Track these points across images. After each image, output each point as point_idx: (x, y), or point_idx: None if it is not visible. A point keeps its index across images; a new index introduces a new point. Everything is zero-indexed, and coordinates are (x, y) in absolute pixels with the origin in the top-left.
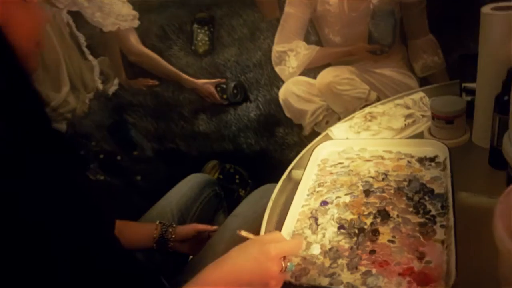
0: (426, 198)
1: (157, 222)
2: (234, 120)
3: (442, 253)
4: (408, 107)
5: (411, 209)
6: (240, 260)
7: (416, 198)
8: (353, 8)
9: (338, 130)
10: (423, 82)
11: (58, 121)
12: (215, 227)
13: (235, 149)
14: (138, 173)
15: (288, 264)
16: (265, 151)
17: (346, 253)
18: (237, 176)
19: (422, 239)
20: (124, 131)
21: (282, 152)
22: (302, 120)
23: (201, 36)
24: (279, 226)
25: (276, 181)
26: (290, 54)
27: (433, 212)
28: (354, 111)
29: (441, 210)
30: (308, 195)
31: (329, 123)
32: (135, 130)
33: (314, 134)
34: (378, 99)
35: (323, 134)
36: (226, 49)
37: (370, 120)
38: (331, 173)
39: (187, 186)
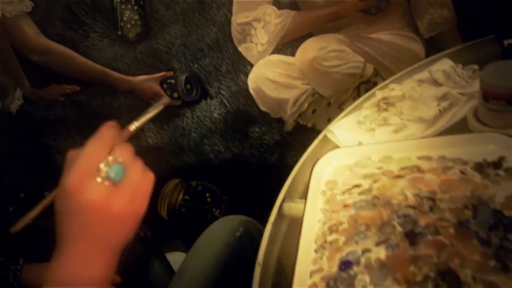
0: (511, 236)
1: None
2: (193, 124)
3: None
4: (438, 83)
5: (492, 263)
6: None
7: (495, 239)
8: None
9: (342, 129)
10: (429, 45)
11: None
12: None
13: (199, 162)
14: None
15: (111, 171)
16: (239, 158)
17: None
18: (207, 194)
19: None
20: (46, 159)
21: (260, 156)
22: (282, 113)
23: (128, 14)
24: None
25: (258, 195)
26: (257, 25)
27: None
28: (347, 91)
29: None
30: (316, 250)
31: (316, 112)
32: (60, 155)
33: (300, 129)
34: (376, 73)
35: (320, 137)
36: (167, 29)
37: (385, 110)
38: (345, 206)
39: None
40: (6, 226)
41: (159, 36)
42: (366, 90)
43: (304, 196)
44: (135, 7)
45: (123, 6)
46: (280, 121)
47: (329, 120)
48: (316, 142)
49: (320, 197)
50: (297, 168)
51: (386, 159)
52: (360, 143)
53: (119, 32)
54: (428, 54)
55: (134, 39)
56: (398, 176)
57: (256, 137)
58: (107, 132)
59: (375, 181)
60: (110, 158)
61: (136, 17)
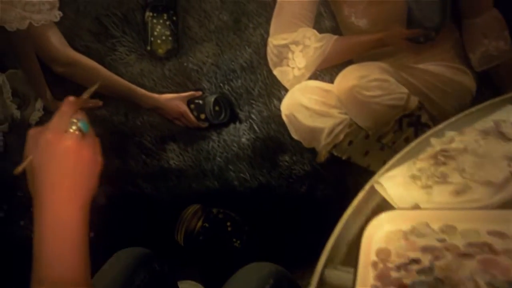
0: None
1: None
2: (219, 148)
3: None
4: (506, 138)
5: None
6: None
7: None
8: None
9: (393, 182)
10: (481, 80)
11: None
12: None
13: (223, 188)
14: (89, 227)
15: (79, 123)
16: (265, 187)
17: None
18: (228, 223)
19: None
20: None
21: (289, 187)
22: (316, 142)
23: (159, 30)
24: None
25: (283, 228)
26: (295, 48)
27: None
28: (387, 124)
29: None
30: None
31: (353, 144)
32: None
33: (333, 161)
34: (420, 107)
35: (367, 188)
36: (199, 47)
37: (444, 163)
38: (402, 285)
39: (112, 272)
40: (17, 240)
41: (190, 54)
42: (409, 124)
43: (349, 260)
44: (167, 23)
45: (154, 21)
46: (313, 151)
47: (366, 154)
48: (361, 194)
49: (371, 270)
50: (340, 225)
51: (449, 229)
52: (416, 205)
53: (148, 47)
54: (479, 89)
55: (163, 55)
56: (465, 255)
57: (286, 167)
58: (70, 101)
59: (436, 258)
60: (77, 116)
61: (168, 32)
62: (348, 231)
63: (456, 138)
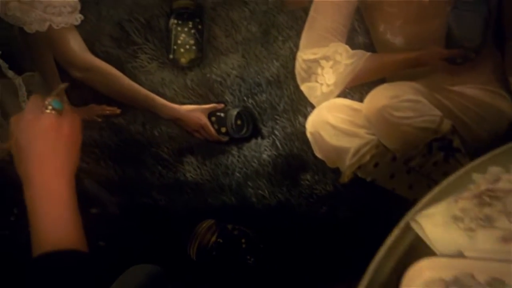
0: None
1: None
2: (239, 164)
3: None
4: None
5: None
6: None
7: None
8: None
9: (431, 222)
10: None
11: None
12: None
13: (239, 204)
14: (100, 238)
15: (52, 103)
16: (284, 205)
17: None
18: (243, 240)
19: None
20: (75, 181)
21: (309, 207)
22: (340, 162)
23: (184, 38)
24: None
25: (299, 248)
26: (325, 64)
27: None
28: (416, 147)
29: None
30: None
31: (379, 166)
32: (90, 179)
33: (357, 182)
34: (453, 131)
35: (401, 224)
36: (224, 58)
37: (489, 204)
38: None
39: None
40: (29, 244)
41: (214, 65)
42: (439, 148)
43: None
44: (192, 31)
45: (179, 29)
46: (336, 171)
47: (392, 177)
48: (396, 232)
49: None
50: (373, 265)
51: (497, 284)
52: (460, 253)
53: (171, 56)
54: None
55: (186, 64)
56: None
57: (307, 186)
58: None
59: None
60: (49, 98)
61: (192, 41)
62: (380, 272)
63: (502, 176)
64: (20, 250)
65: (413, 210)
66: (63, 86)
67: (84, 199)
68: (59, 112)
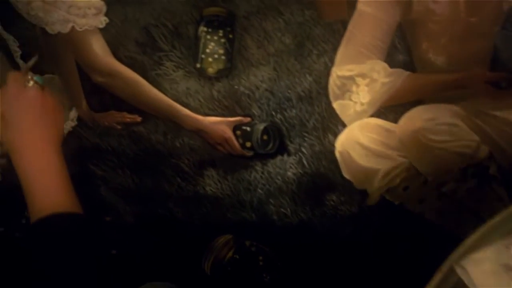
0: None
1: None
2: (262, 180)
3: None
4: None
5: None
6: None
7: None
8: (474, 10)
9: (480, 269)
10: None
11: None
12: None
13: (260, 221)
14: (113, 246)
15: (35, 78)
16: (306, 225)
17: None
18: (260, 257)
19: None
20: (90, 188)
21: (331, 228)
22: (368, 184)
23: (213, 47)
24: None
25: (318, 269)
26: (360, 82)
27: None
28: (450, 172)
29: None
30: None
31: (409, 190)
32: (106, 187)
33: (384, 205)
34: (490, 157)
35: (444, 268)
36: (254, 70)
37: None
38: None
39: None
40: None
41: (243, 77)
42: (474, 174)
43: None
44: (222, 40)
45: (208, 37)
46: (363, 193)
47: (422, 201)
48: (439, 276)
49: None
50: None
51: None
52: None
53: (198, 65)
54: None
55: (213, 75)
56: None
57: (331, 206)
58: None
59: None
60: (30, 73)
61: (221, 51)
62: None
63: None
64: (31, 252)
65: (457, 252)
66: (35, 59)
67: (98, 206)
68: (40, 86)
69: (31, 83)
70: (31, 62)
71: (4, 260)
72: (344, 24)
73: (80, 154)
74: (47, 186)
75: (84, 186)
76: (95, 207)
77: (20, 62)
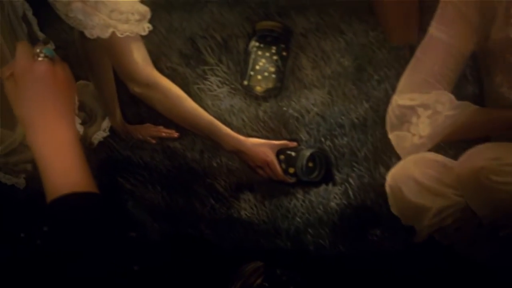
0: None
1: None
2: (302, 208)
3: None
4: None
5: None
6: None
7: None
8: None
9: None
10: None
11: (12, 173)
12: None
13: (294, 250)
14: (136, 262)
15: (44, 51)
16: (344, 258)
17: None
18: (291, 287)
19: None
20: (117, 201)
21: (373, 264)
22: (417, 221)
23: (263, 64)
24: None
25: None
26: (422, 113)
27: None
28: (510, 216)
29: None
30: None
31: (461, 231)
32: (134, 201)
33: (431, 244)
34: None
35: None
36: (306, 92)
37: None
38: None
39: None
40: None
41: (293, 98)
42: None
43: None
44: (274, 57)
45: (259, 53)
46: (410, 230)
47: (474, 244)
48: None
49: None
50: None
51: None
52: None
53: (245, 82)
54: None
55: (261, 94)
56: None
57: (374, 241)
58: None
59: None
60: (38, 47)
61: (272, 69)
62: None
63: None
64: (51, 259)
65: None
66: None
67: (124, 220)
68: (51, 59)
69: (42, 56)
70: (45, 38)
71: (23, 266)
72: (412, 49)
73: (109, 166)
74: (61, 162)
75: (110, 200)
76: (120, 221)
77: None
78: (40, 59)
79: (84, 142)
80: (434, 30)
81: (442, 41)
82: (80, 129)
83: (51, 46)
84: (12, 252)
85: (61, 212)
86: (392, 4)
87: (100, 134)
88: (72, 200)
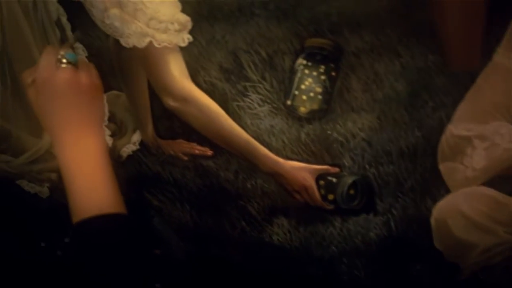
0: None
1: None
2: (338, 237)
3: None
4: None
5: None
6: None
7: None
8: None
9: None
10: None
11: (36, 181)
12: None
13: (326, 279)
14: (158, 279)
15: (66, 56)
16: None
17: None
18: None
19: None
20: (143, 218)
21: None
22: (462, 258)
23: (309, 83)
24: None
25: None
26: (478, 144)
27: None
28: None
29: None
30: None
31: (508, 270)
32: (160, 218)
33: (476, 283)
34: None
35: None
36: (354, 116)
37: None
38: None
39: None
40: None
41: (339, 121)
42: None
43: None
44: (322, 77)
45: (306, 71)
46: (454, 266)
47: None
48: None
49: None
50: None
51: None
52: None
53: (289, 102)
54: None
55: (305, 115)
56: None
57: (414, 276)
58: (49, 50)
59: None
60: (61, 51)
61: (319, 89)
62: None
63: None
64: (72, 271)
65: None
66: (76, 36)
67: (149, 237)
68: (74, 64)
69: (64, 62)
70: (71, 42)
71: (42, 277)
72: (473, 76)
73: (137, 181)
74: (92, 184)
75: (135, 215)
76: (145, 238)
77: None
78: (63, 65)
79: (113, 155)
80: (500, 57)
81: (507, 69)
82: (109, 141)
83: (77, 49)
84: (31, 261)
85: (87, 235)
86: (456, 27)
87: (129, 147)
88: (98, 223)
